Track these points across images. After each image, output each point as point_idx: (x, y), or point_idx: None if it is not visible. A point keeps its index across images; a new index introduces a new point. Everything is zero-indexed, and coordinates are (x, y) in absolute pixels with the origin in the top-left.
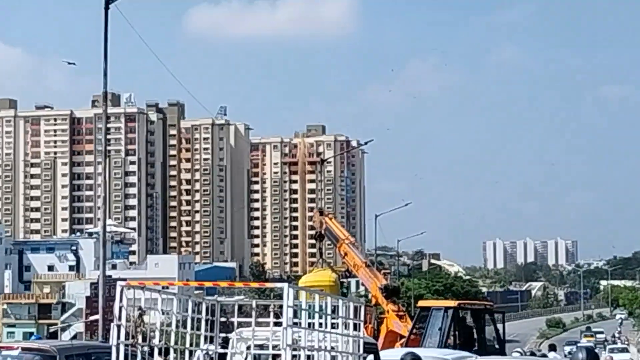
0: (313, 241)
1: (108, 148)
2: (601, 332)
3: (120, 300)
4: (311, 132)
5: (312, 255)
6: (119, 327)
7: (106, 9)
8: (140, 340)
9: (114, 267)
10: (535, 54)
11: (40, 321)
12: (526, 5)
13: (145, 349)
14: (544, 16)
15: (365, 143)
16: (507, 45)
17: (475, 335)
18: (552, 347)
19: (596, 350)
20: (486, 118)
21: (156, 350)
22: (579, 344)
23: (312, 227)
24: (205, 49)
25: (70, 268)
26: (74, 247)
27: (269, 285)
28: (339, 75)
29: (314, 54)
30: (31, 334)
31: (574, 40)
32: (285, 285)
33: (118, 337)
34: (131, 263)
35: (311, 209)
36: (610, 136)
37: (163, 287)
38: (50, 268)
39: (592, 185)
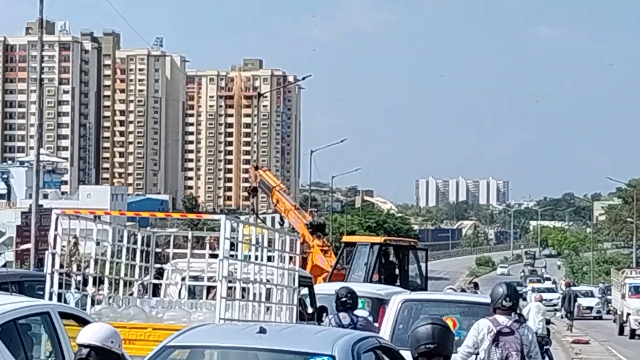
0: (246, 181)
1: (41, 76)
2: (549, 279)
3: (55, 229)
4: (248, 66)
5: (246, 189)
6: (53, 255)
7: None
8: (74, 270)
9: (45, 196)
10: None
11: None
12: None
13: (79, 278)
14: None
15: (303, 78)
16: None
17: (398, 271)
18: (476, 286)
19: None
20: (421, 56)
21: (90, 280)
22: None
23: (246, 171)
24: None
25: (1, 196)
26: (5, 175)
27: (206, 216)
28: (277, 10)
29: None
30: None
31: None
32: (222, 217)
33: (53, 266)
34: (63, 193)
35: (247, 143)
36: (544, 77)
37: (97, 217)
38: None
39: (525, 126)
